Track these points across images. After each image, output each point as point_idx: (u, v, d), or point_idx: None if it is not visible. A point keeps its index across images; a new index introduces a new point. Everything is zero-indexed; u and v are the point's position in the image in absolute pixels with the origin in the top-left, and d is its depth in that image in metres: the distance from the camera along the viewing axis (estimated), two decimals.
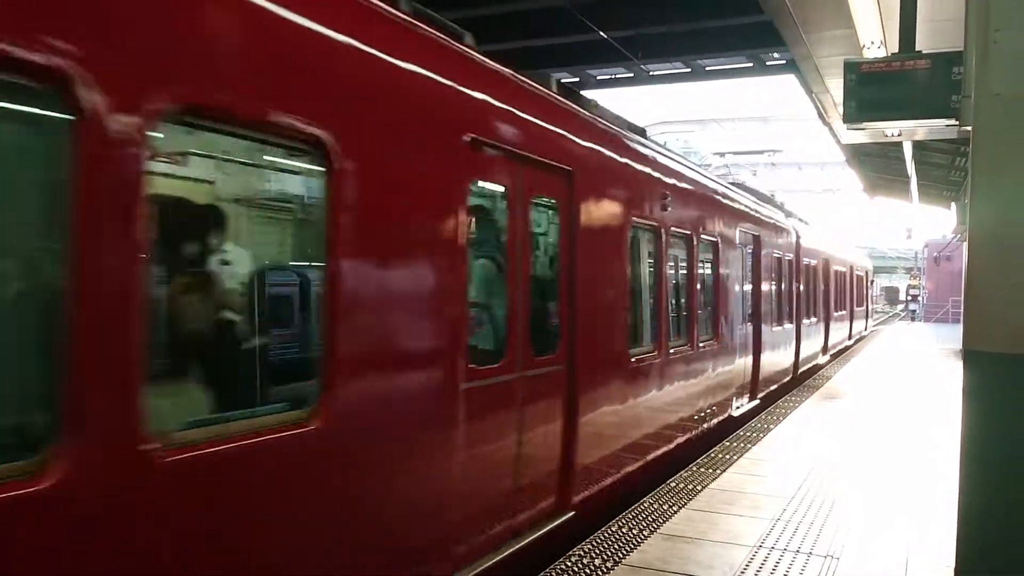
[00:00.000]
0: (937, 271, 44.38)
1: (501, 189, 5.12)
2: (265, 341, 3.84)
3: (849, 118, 7.06)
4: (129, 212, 2.55)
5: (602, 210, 6.39)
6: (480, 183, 4.93)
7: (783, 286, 13.93)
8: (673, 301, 8.27)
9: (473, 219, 4.81)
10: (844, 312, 22.80)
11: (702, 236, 8.90)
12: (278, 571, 3.19)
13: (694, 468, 7.60)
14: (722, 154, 17.75)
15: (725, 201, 10.26)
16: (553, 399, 5.57)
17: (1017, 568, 3.21)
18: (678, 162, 8.93)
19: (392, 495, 3.85)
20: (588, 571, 4.92)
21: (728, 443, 8.82)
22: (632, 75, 19.41)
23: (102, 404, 2.50)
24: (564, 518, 5.63)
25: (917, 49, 6.90)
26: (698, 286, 8.92)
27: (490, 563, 4.69)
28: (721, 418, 9.88)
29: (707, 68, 18.80)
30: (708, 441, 9.02)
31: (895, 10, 7.43)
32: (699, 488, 6.85)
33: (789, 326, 14.42)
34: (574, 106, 6.34)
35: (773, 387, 13.08)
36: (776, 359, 13.30)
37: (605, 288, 6.41)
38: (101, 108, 2.44)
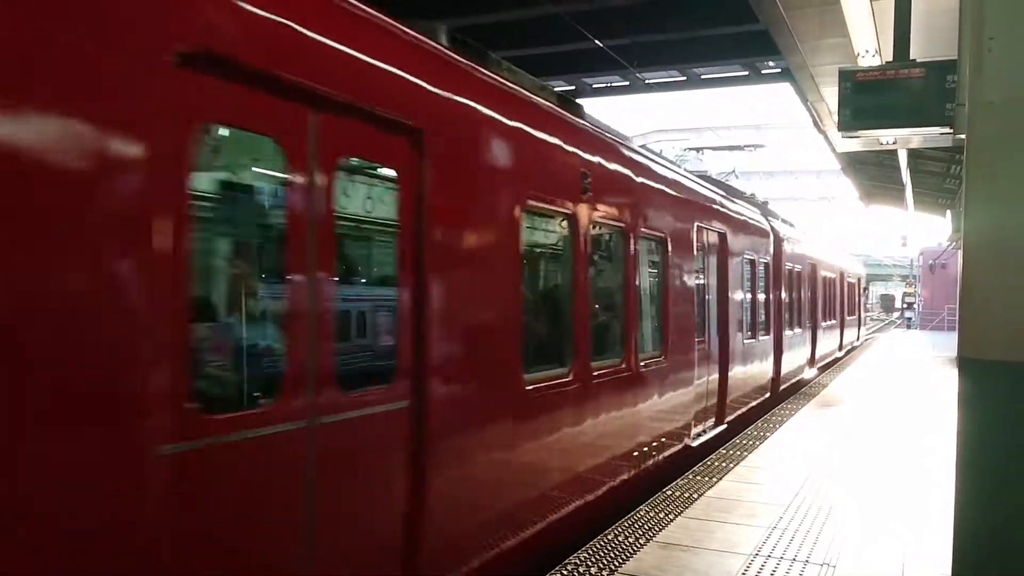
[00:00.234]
0: (932, 279, 44.50)
1: (273, 143, 3.33)
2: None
3: (844, 126, 7.09)
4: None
5: (473, 187, 4.74)
6: (220, 128, 3.24)
7: (760, 293, 12.41)
8: (599, 311, 6.85)
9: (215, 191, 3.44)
10: (833, 321, 21.44)
11: (643, 231, 7.25)
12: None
13: (690, 476, 7.58)
14: (698, 149, 16.21)
15: (678, 191, 8.44)
16: (386, 452, 3.92)
17: None
18: (610, 137, 7.06)
19: None
20: None
21: (724, 451, 8.80)
22: (628, 83, 19.49)
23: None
24: None
25: (911, 57, 6.94)
26: (639, 293, 7.38)
27: None
28: (673, 451, 8.16)
29: (702, 76, 18.88)
30: (656, 482, 7.43)
31: (889, 19, 7.47)
32: (695, 496, 6.83)
33: (767, 338, 12.84)
34: (430, 43, 4.57)
35: (746, 408, 11.46)
36: (750, 375, 11.64)
37: (479, 295, 4.75)
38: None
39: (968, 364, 3.31)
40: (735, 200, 11.64)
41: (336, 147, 3.59)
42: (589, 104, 20.95)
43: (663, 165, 8.71)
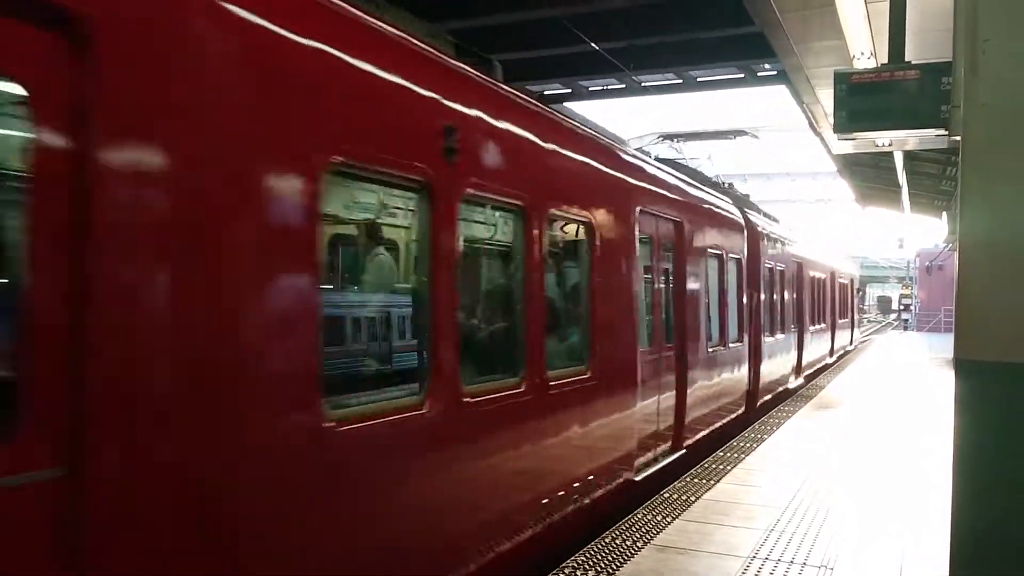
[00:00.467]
0: (929, 280, 44.56)
1: None
2: None
3: (840, 128, 7.09)
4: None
5: (210, 126, 3.02)
6: None
7: (731, 294, 10.90)
8: (480, 317, 5.57)
9: None
10: (823, 325, 19.96)
11: (554, 212, 5.74)
12: None
13: (687, 479, 7.57)
14: (673, 137, 14.87)
15: (610, 166, 6.96)
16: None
17: None
18: (500, 87, 5.49)
19: None
20: None
21: (722, 453, 8.80)
22: (624, 86, 19.49)
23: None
24: None
25: (907, 60, 6.94)
26: (550, 292, 6.09)
27: None
28: (604, 491, 6.58)
29: (698, 79, 18.88)
30: (581, 533, 6.08)
31: (885, 21, 7.48)
32: (693, 499, 6.82)
33: (740, 346, 11.26)
34: None
35: (712, 428, 9.87)
36: (719, 390, 10.12)
37: (218, 291, 3.06)
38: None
39: (964, 365, 3.31)
40: (699, 187, 10.23)
41: None
42: (587, 107, 20.91)
43: (590, 133, 6.99)
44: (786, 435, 10.03)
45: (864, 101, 6.81)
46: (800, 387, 15.61)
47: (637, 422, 7.27)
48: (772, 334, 13.51)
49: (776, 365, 13.93)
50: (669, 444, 8.36)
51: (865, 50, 9.69)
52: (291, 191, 3.37)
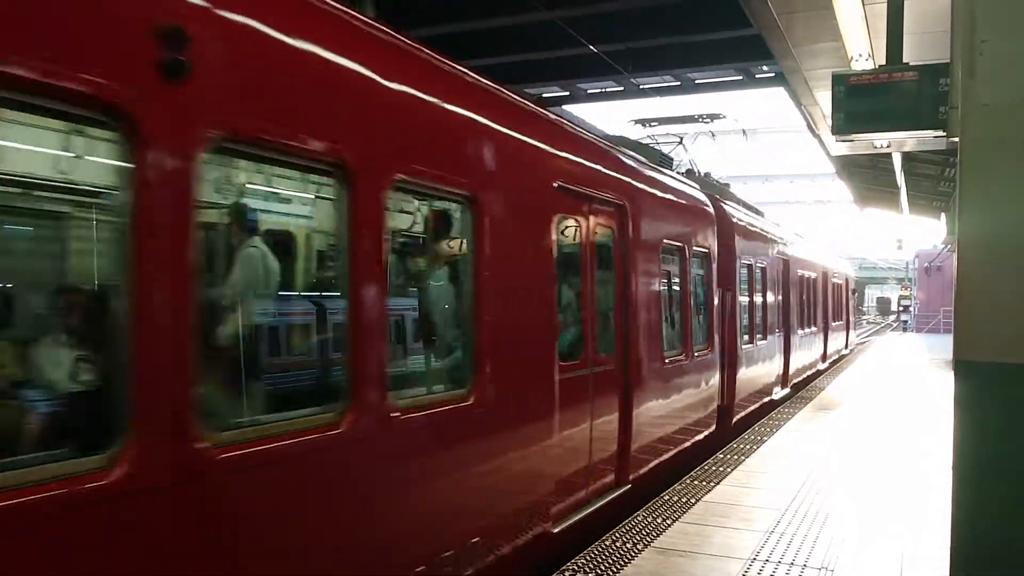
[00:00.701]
0: (928, 281, 44.60)
1: None
2: None
3: (838, 130, 7.10)
4: None
5: None
6: None
7: (697, 295, 9.52)
8: (264, 321, 4.31)
9: None
10: (814, 329, 18.23)
11: (408, 180, 4.18)
12: None
13: (688, 481, 7.57)
14: (644, 122, 13.82)
15: (506, 126, 5.29)
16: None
17: None
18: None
19: None
20: None
21: (722, 455, 8.80)
22: (622, 88, 19.51)
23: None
24: None
25: (904, 61, 6.95)
26: (403, 291, 5.16)
27: None
28: (507, 551, 5.07)
29: (696, 81, 18.92)
30: None
31: (882, 23, 7.49)
32: (693, 501, 6.82)
33: (709, 355, 9.69)
34: None
35: (670, 454, 8.22)
36: (678, 409, 8.52)
37: None
38: None
39: (964, 366, 3.31)
40: (655, 167, 8.71)
41: None
42: (585, 109, 20.87)
43: (481, 81, 5.23)
44: (786, 437, 10.02)
45: (862, 103, 6.82)
46: (787, 397, 14.08)
47: (555, 458, 5.71)
48: (752, 340, 12.05)
49: (757, 375, 12.37)
50: (610, 479, 6.82)
51: (863, 52, 9.71)
52: None
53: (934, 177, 20.26)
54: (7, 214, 3.95)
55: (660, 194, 8.38)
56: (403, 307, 5.09)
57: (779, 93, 17.04)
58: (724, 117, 13.91)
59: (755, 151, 53.29)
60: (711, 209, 10.10)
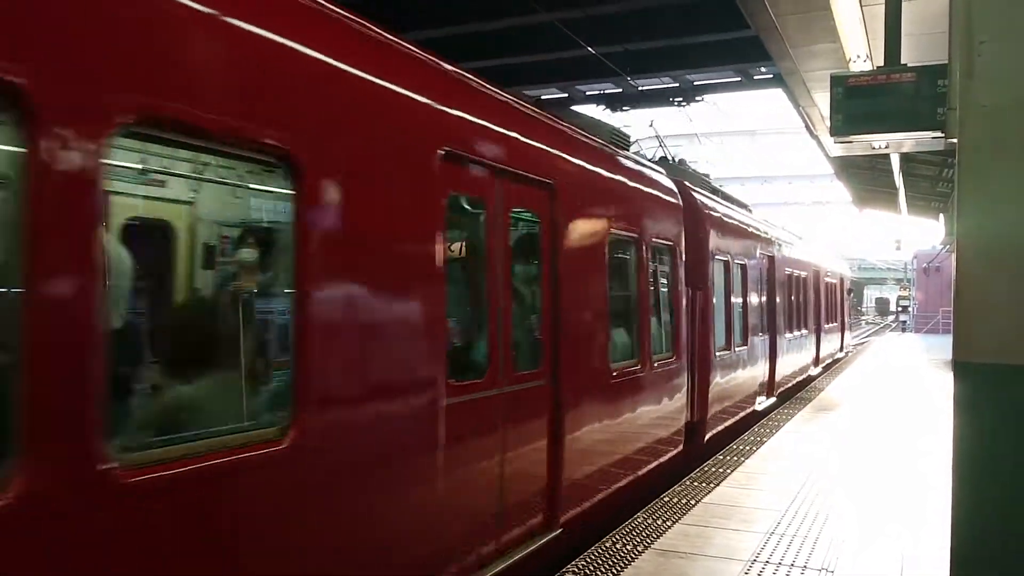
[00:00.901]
0: (927, 282, 44.64)
1: None
2: None
3: (836, 131, 7.10)
4: None
5: None
6: None
7: (657, 295, 8.18)
8: None
9: None
10: (804, 332, 16.88)
11: (226, 140, 3.11)
12: None
13: (687, 483, 7.57)
14: (613, 102, 12.38)
15: (372, 73, 4.00)
16: None
17: None
18: None
19: None
20: None
21: (722, 456, 8.80)
22: (620, 90, 19.51)
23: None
24: None
25: (902, 62, 6.96)
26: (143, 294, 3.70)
27: None
28: None
29: (695, 83, 18.92)
30: None
31: (880, 24, 7.50)
32: (693, 502, 6.82)
33: (674, 364, 8.30)
34: None
35: (618, 486, 6.84)
36: (632, 430, 7.18)
37: None
38: None
39: (963, 367, 3.32)
40: (604, 145, 7.31)
41: None
42: (585, 109, 20.93)
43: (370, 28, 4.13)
44: (785, 438, 10.02)
45: (860, 104, 6.82)
46: (774, 407, 12.95)
47: (446, 507, 4.42)
48: (729, 345, 10.72)
49: (736, 384, 11.06)
50: (537, 520, 5.51)
51: (861, 53, 9.73)
52: None
53: (932, 178, 20.29)
54: None
55: (608, 175, 7.04)
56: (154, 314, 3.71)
57: (778, 94, 17.05)
58: (702, 100, 12.98)
59: (754, 152, 53.43)
60: (678, 198, 8.80)
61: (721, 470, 8.08)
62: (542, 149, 5.80)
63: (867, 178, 22.39)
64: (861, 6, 8.47)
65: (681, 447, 8.58)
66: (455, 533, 4.53)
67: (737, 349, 11.12)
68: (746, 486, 7.47)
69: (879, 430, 10.69)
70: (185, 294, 4.29)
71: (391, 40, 4.34)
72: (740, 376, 11.33)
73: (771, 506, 6.75)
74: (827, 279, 20.79)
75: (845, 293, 25.42)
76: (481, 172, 4.93)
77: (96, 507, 2.56)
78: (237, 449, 3.07)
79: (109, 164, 2.66)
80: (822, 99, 12.57)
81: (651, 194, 8.16)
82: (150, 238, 4.04)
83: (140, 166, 3.55)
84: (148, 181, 3.72)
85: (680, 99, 12.44)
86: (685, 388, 8.73)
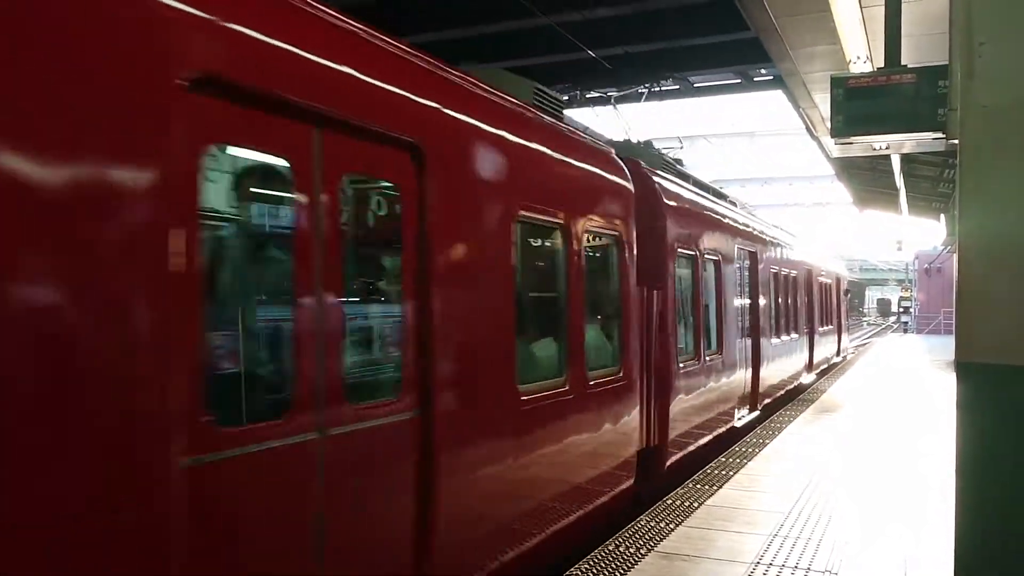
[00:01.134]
0: (928, 282, 44.61)
1: None
2: None
3: (837, 133, 7.10)
4: None
5: None
6: None
7: (593, 298, 6.65)
8: None
9: None
10: (794, 336, 15.58)
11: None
12: None
13: (690, 485, 7.56)
14: (590, 100, 11.44)
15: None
16: None
17: None
18: None
19: None
20: None
21: (724, 459, 8.79)
22: (620, 93, 19.52)
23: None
24: None
25: (902, 63, 6.97)
26: None
27: None
28: None
29: (695, 85, 18.93)
30: None
31: (880, 25, 7.51)
32: (696, 505, 6.81)
33: (622, 381, 6.89)
34: None
35: (514, 552, 5.13)
36: (550, 469, 5.68)
37: None
38: None
39: (965, 368, 3.31)
40: (513, 103, 5.66)
41: None
42: (583, 113, 20.91)
43: None
44: (788, 440, 10.01)
45: (861, 105, 6.83)
46: (758, 421, 11.69)
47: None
48: (697, 356, 9.20)
49: (707, 400, 9.50)
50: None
51: (861, 54, 9.72)
52: None
53: (933, 179, 20.29)
54: None
55: (517, 141, 5.44)
56: None
57: (777, 96, 17.06)
58: (671, 77, 12.16)
59: (754, 153, 53.39)
60: (628, 180, 7.26)
61: (724, 472, 8.07)
62: (403, 96, 4.18)
63: (868, 179, 22.39)
64: (861, 7, 8.47)
65: (630, 482, 7.12)
66: None
67: (708, 358, 9.63)
68: (749, 488, 7.46)
69: (881, 431, 10.68)
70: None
71: None
72: (713, 388, 9.78)
73: (774, 508, 6.74)
74: (821, 279, 19.43)
75: (842, 294, 23.96)
76: (280, 117, 3.34)
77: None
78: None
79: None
80: (822, 100, 12.58)
81: (586, 171, 6.59)
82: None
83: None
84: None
85: (659, 92, 12.06)
86: (637, 408, 7.27)
